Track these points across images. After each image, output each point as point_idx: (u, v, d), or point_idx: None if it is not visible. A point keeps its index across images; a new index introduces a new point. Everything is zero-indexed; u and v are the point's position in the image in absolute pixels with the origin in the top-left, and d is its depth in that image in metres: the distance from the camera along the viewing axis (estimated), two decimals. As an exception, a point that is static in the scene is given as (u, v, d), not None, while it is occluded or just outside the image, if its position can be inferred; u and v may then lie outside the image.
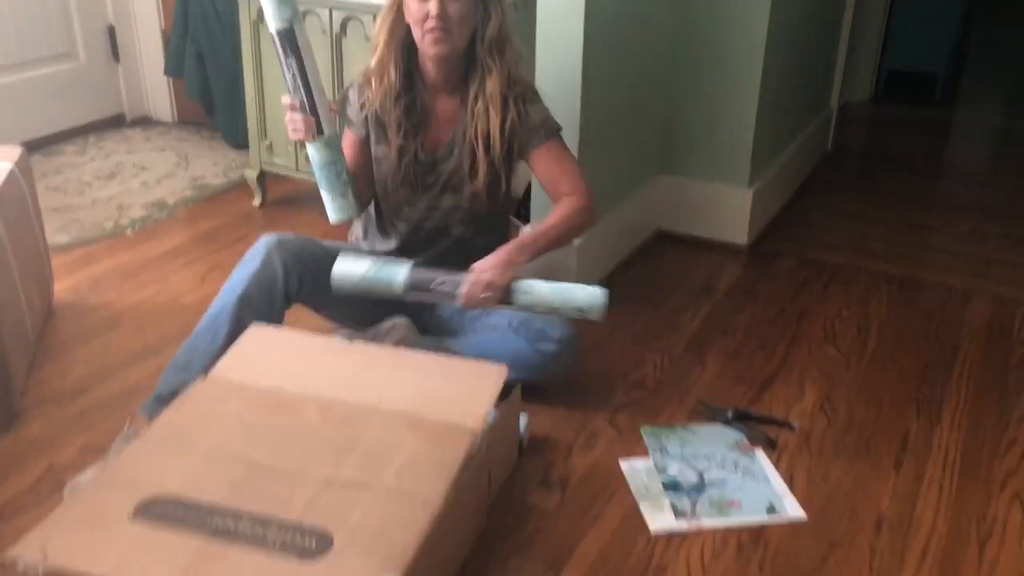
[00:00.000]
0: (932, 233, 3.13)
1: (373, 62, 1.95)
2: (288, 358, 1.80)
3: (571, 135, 2.27)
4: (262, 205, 3.15)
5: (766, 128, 2.92)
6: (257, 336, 1.85)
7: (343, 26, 2.71)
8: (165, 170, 3.44)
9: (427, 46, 1.87)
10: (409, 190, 2.01)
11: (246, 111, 3.01)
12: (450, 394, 1.70)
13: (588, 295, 1.79)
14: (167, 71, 3.62)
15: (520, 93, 1.97)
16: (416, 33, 1.88)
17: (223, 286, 1.93)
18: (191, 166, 3.49)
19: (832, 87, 3.84)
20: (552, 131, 1.99)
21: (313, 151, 1.87)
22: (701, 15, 2.77)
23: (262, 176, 3.11)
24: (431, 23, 1.83)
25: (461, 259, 1.99)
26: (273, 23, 1.76)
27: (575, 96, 2.33)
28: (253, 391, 1.69)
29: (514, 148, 1.97)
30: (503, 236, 2.13)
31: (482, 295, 1.79)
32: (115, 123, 3.90)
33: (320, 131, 1.84)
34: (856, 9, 3.78)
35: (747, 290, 2.69)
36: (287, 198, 3.22)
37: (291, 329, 1.93)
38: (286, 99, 1.82)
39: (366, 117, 2.00)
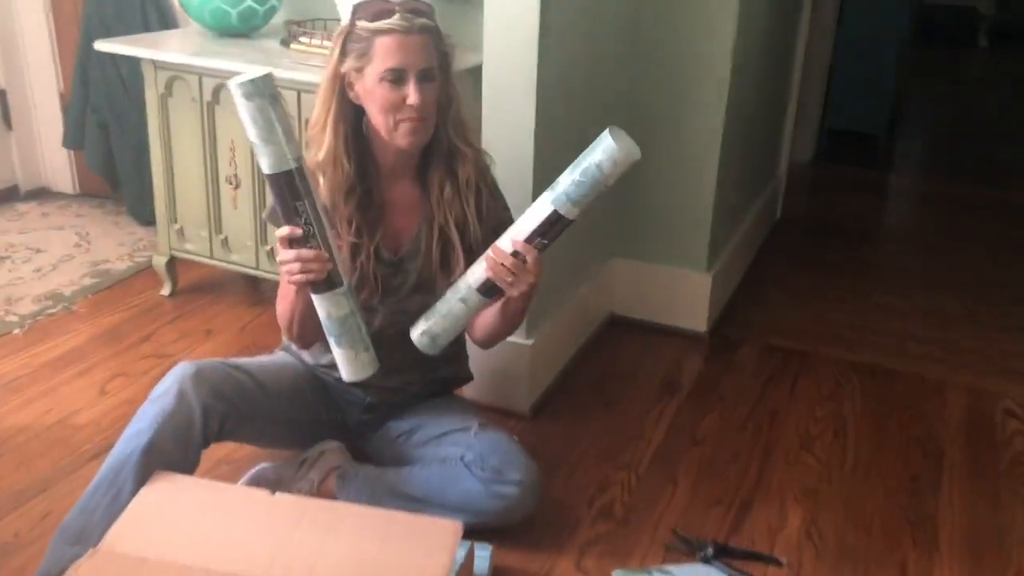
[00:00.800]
0: (895, 315, 2.98)
1: (321, 154, 1.67)
2: (199, 520, 1.49)
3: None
4: (172, 294, 2.82)
5: (724, 207, 2.74)
6: (161, 489, 1.54)
7: (215, 94, 2.45)
8: (63, 252, 3.09)
9: (400, 136, 1.62)
10: (368, 294, 1.73)
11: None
12: (394, 563, 1.42)
13: (601, 150, 1.51)
14: (66, 142, 3.28)
15: (488, 175, 1.77)
16: (380, 120, 1.62)
17: (127, 428, 1.62)
18: (93, 247, 3.15)
19: (781, 151, 3.70)
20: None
21: (328, 304, 1.56)
22: (658, 92, 2.57)
23: (172, 262, 2.79)
24: (410, 112, 1.59)
25: (426, 367, 1.76)
26: (278, 164, 1.45)
27: (526, 176, 2.09)
28: (153, 569, 1.38)
29: (493, 229, 1.71)
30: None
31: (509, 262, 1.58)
32: (7, 197, 3.52)
33: (339, 279, 1.55)
34: (803, 69, 3.66)
35: (712, 387, 2.48)
36: (201, 284, 2.90)
37: (203, 480, 1.62)
38: (284, 231, 1.50)
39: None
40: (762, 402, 2.41)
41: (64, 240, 3.19)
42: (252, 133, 1.45)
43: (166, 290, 2.82)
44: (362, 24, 1.58)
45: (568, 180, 1.53)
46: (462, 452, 1.73)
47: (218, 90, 2.48)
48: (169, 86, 2.55)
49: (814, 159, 4.62)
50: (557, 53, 2.09)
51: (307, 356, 1.88)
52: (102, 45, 2.54)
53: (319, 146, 1.67)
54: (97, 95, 3.15)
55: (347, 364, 1.61)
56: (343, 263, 1.57)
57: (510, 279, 1.58)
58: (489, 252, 1.59)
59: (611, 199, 2.66)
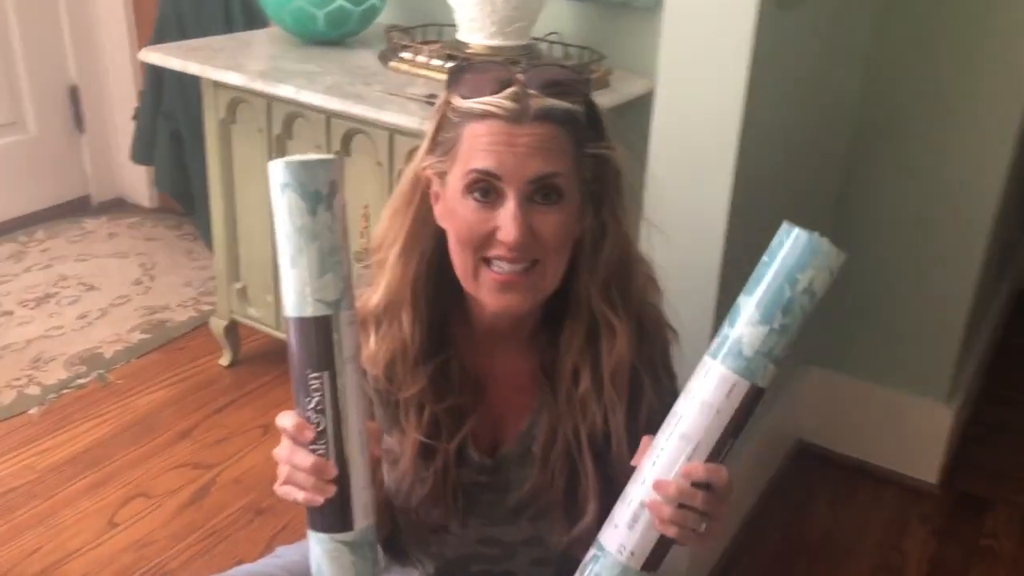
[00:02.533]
0: None
1: (377, 296, 0.99)
2: None
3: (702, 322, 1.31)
4: (232, 364, 2.25)
5: (976, 317, 1.93)
6: None
7: (346, 144, 1.79)
8: (118, 292, 2.56)
9: (483, 291, 0.93)
10: (442, 513, 1.06)
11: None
12: None
13: (812, 265, 0.79)
14: (135, 156, 2.75)
15: (660, 347, 1.04)
16: (457, 258, 0.93)
17: None
18: (156, 285, 2.61)
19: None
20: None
21: (322, 553, 0.89)
22: (893, 152, 1.79)
23: (233, 327, 2.21)
24: (500, 251, 0.90)
25: None
26: (299, 304, 0.83)
27: (711, 274, 1.38)
28: None
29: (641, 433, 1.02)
30: None
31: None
32: (76, 209, 3.04)
33: (348, 520, 0.87)
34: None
35: (954, 588, 1.70)
36: (269, 352, 2.30)
37: None
38: (288, 423, 0.85)
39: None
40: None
41: (125, 273, 2.66)
42: (281, 243, 0.82)
43: (225, 359, 2.24)
44: (455, 101, 0.90)
45: (759, 330, 0.80)
46: None
47: (291, 121, 1.85)
48: (232, 110, 1.95)
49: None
50: (774, 92, 1.36)
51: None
52: (145, 55, 1.95)
53: (379, 283, 1.00)
54: (171, 99, 2.60)
55: None
56: (370, 494, 0.89)
57: (700, 525, 0.87)
58: (648, 495, 0.87)
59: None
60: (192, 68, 1.87)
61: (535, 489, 1.04)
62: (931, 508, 1.90)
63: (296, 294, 0.81)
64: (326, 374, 0.82)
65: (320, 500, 0.85)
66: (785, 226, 0.79)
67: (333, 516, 0.86)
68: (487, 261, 0.91)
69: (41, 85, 2.88)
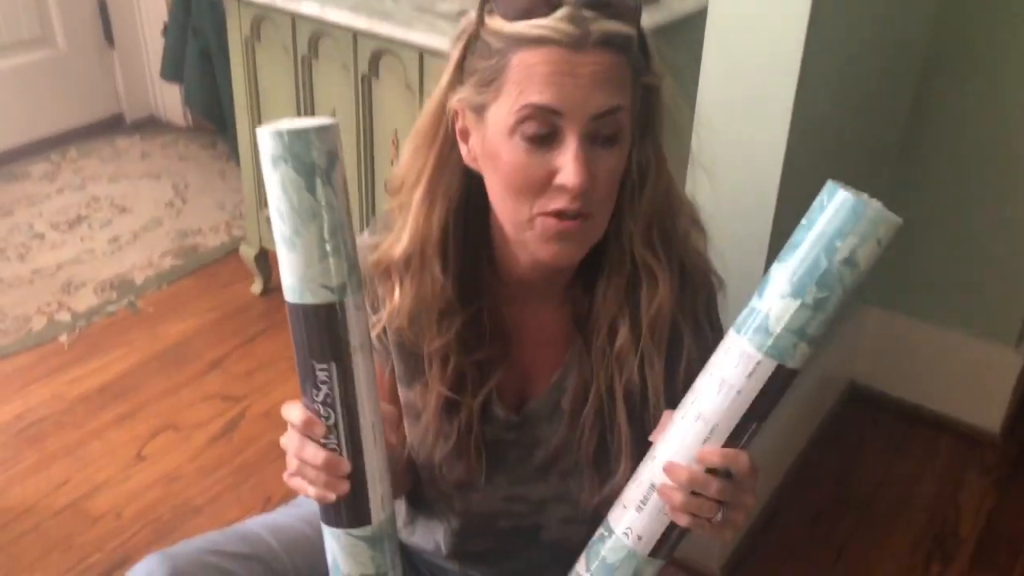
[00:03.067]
0: None
1: (401, 245, 0.89)
2: None
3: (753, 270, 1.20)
4: (264, 292, 2.19)
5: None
6: None
7: (374, 65, 1.68)
8: (151, 214, 2.51)
9: (537, 242, 0.82)
10: (465, 470, 0.98)
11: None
12: None
13: (854, 233, 0.68)
14: (164, 73, 2.65)
15: (704, 296, 0.94)
16: (506, 207, 0.82)
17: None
18: (188, 207, 2.55)
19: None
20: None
21: (339, 548, 0.82)
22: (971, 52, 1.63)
23: (263, 255, 2.14)
24: (562, 201, 0.78)
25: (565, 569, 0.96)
26: (301, 289, 0.73)
27: (766, 210, 1.27)
28: None
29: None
30: None
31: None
32: (109, 128, 2.98)
33: (364, 515, 0.80)
34: None
35: (1016, 539, 1.61)
36: (303, 279, 2.24)
37: None
38: (295, 416, 0.78)
39: (382, 334, 0.97)
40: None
41: (157, 194, 2.61)
42: (276, 223, 0.72)
43: (257, 287, 2.19)
44: (493, 24, 0.79)
45: (789, 304, 0.69)
46: None
47: (316, 40, 1.74)
48: (256, 28, 1.84)
49: None
50: (840, 14, 1.22)
51: (404, 533, 1.15)
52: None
53: (401, 228, 0.90)
54: (200, 15, 2.48)
55: None
56: (387, 484, 0.82)
57: (716, 514, 0.79)
58: (659, 478, 0.78)
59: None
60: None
61: (563, 446, 0.97)
62: (991, 459, 1.80)
63: (296, 279, 0.72)
64: (333, 365, 0.74)
65: (332, 497, 0.78)
66: (829, 185, 0.68)
67: (348, 512, 0.79)
68: (536, 216, 0.81)
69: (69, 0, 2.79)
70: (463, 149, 0.84)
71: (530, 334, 0.96)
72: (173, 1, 2.55)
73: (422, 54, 1.58)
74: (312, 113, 1.82)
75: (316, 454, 0.77)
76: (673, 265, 0.89)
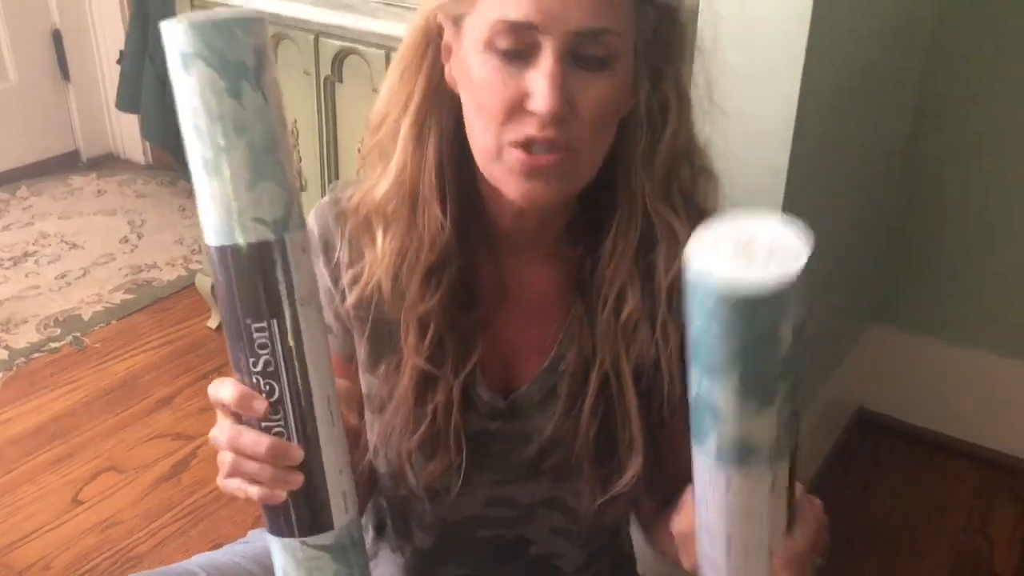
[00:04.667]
0: None
1: (384, 184, 0.75)
2: None
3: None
4: (220, 327, 2.02)
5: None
6: None
7: (337, 65, 1.55)
8: (104, 250, 2.34)
9: (505, 177, 0.69)
10: (440, 466, 0.80)
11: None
12: None
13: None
14: (120, 103, 2.52)
15: None
16: (476, 132, 0.70)
17: None
18: (143, 243, 2.39)
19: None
20: None
21: (289, 561, 0.64)
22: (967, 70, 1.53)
23: (222, 285, 1.98)
24: (529, 128, 0.65)
25: None
26: (227, 227, 0.57)
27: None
28: None
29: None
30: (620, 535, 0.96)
31: None
32: (64, 165, 2.82)
33: (324, 517, 0.63)
34: None
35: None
36: (265, 313, 2.08)
37: None
38: (227, 392, 0.60)
39: (351, 307, 0.80)
40: None
41: (111, 231, 2.45)
42: (191, 142, 0.57)
43: (213, 322, 2.02)
44: None
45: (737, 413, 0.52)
46: None
47: (275, 44, 1.61)
48: (212, 33, 1.71)
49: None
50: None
51: (373, 547, 0.97)
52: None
53: (384, 167, 0.76)
54: (158, 40, 2.35)
55: None
56: (349, 478, 0.64)
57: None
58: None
59: (873, 232, 1.66)
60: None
61: (558, 438, 0.81)
62: (1023, 488, 1.65)
63: (220, 215, 0.57)
64: (274, 323, 0.58)
65: (282, 496, 0.61)
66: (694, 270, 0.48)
67: (303, 514, 0.62)
68: (503, 145, 0.67)
69: (21, 29, 2.66)
70: (446, 69, 0.71)
71: (519, 303, 0.81)
72: (129, 26, 2.43)
73: (388, 53, 1.45)
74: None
75: (257, 441, 0.60)
76: (694, 223, 0.74)
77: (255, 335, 0.58)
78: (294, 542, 0.63)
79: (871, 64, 1.35)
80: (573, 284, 0.78)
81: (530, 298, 0.80)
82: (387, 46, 1.44)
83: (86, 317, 2.05)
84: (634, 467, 0.78)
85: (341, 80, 1.56)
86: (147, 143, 2.83)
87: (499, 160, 0.68)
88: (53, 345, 1.94)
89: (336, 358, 0.82)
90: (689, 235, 0.71)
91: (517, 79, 0.65)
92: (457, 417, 0.78)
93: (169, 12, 2.20)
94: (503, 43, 0.65)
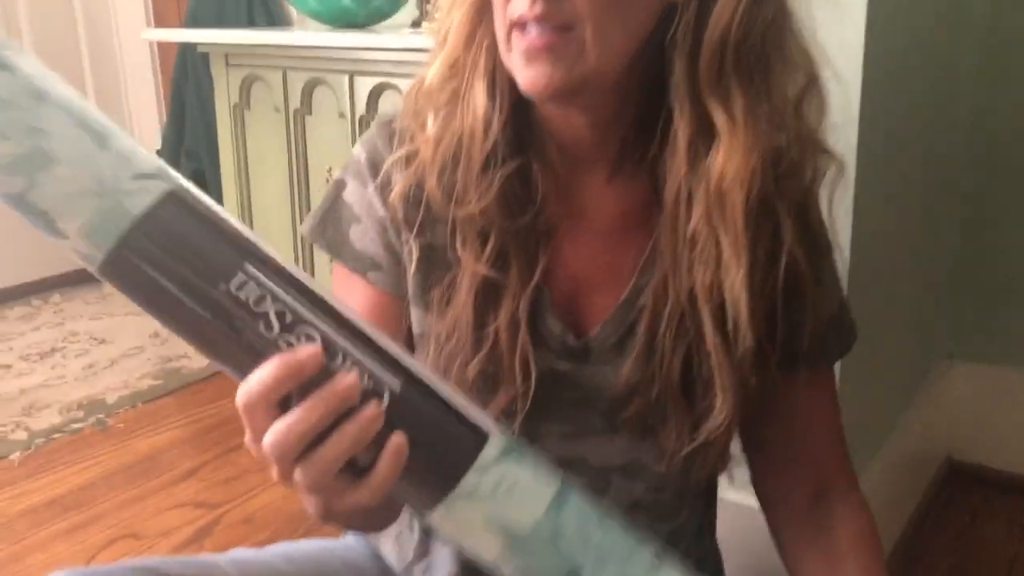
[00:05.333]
0: None
1: (435, 70, 0.68)
2: None
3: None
4: (253, 405, 1.92)
5: None
6: None
7: (306, 96, 1.54)
8: (132, 343, 2.28)
9: (518, 68, 0.61)
10: (506, 399, 0.68)
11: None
12: None
13: None
14: (155, 200, 2.52)
15: (812, 177, 0.69)
16: (497, 26, 0.63)
17: None
18: (175, 337, 2.30)
19: None
20: (847, 332, 0.77)
21: (486, 492, 0.47)
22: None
23: (252, 358, 1.89)
24: (521, 7, 0.59)
25: None
26: (120, 196, 0.44)
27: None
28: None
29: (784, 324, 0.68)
30: (703, 518, 0.81)
31: None
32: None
33: (471, 425, 0.47)
34: None
35: None
36: (297, 392, 1.97)
37: None
38: (264, 371, 0.44)
39: (397, 198, 0.69)
40: None
41: (142, 327, 2.39)
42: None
43: (244, 399, 1.91)
44: None
45: None
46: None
47: (311, 89, 1.60)
48: (245, 91, 1.70)
49: None
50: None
51: (390, 552, 0.83)
52: (149, 33, 1.75)
53: (437, 50, 0.69)
54: (194, 136, 2.39)
55: None
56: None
57: None
58: None
59: (943, 258, 1.55)
60: (200, 36, 1.65)
61: (638, 382, 0.69)
62: None
63: (95, 200, 0.44)
64: (249, 266, 0.44)
65: (403, 441, 0.45)
66: None
67: (451, 435, 0.46)
68: (509, 31, 0.61)
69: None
70: None
71: (585, 225, 0.71)
72: (166, 125, 2.46)
73: (352, 76, 1.45)
74: (305, 171, 1.64)
75: (335, 393, 0.45)
76: (755, 117, 0.65)
77: (240, 295, 0.44)
78: (468, 477, 0.45)
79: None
80: (647, 203, 0.68)
81: (602, 219, 0.70)
82: (352, 71, 1.45)
83: (110, 401, 1.96)
84: (726, 409, 0.66)
85: (311, 113, 1.56)
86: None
87: (508, 49, 0.61)
88: (75, 426, 1.84)
89: (385, 299, 0.72)
90: (744, 129, 0.62)
91: None
92: (524, 336, 0.67)
93: (207, 112, 2.25)
94: None
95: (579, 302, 0.71)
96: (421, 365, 0.48)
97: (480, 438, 0.46)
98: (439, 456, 0.45)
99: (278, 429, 0.45)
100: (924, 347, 1.55)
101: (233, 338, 0.44)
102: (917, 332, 1.50)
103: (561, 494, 0.47)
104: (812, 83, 0.66)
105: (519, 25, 0.59)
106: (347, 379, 0.44)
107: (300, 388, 0.44)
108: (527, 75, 0.60)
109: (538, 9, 0.57)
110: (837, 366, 0.79)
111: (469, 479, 0.45)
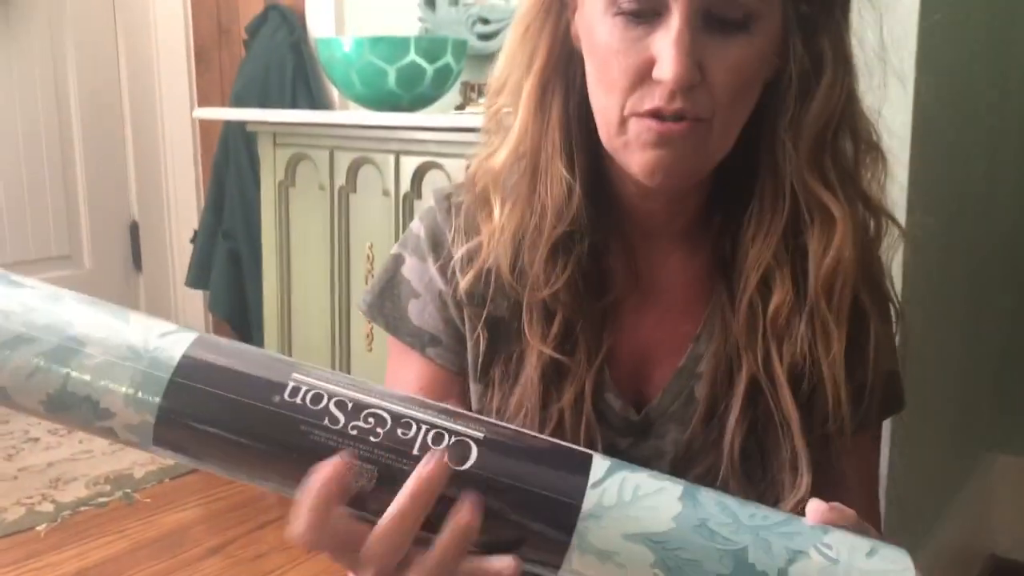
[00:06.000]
0: None
1: (503, 153, 0.68)
2: None
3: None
4: (280, 483, 1.89)
5: None
6: None
7: (351, 175, 1.58)
8: (160, 420, 2.27)
9: (634, 148, 0.61)
10: None
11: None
12: None
13: None
14: (189, 280, 2.55)
15: (875, 260, 0.71)
16: (598, 103, 0.64)
17: None
18: (202, 415, 2.31)
19: None
20: (896, 400, 0.75)
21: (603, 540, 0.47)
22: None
23: (282, 435, 1.88)
24: (657, 98, 0.59)
25: None
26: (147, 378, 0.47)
27: None
28: None
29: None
30: None
31: None
32: (127, 352, 2.81)
33: (579, 469, 0.47)
34: None
35: None
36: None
37: None
38: (327, 468, 0.46)
39: (464, 291, 0.70)
40: None
41: (169, 405, 2.38)
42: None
43: (271, 477, 1.89)
44: None
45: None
46: None
47: (356, 168, 1.63)
48: (291, 169, 1.74)
49: None
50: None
51: None
52: (201, 112, 1.80)
53: (504, 133, 0.69)
54: (232, 218, 2.42)
55: None
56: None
57: None
58: None
59: (989, 354, 1.54)
60: (251, 115, 1.70)
61: (697, 449, 0.69)
62: None
63: (126, 378, 0.46)
64: (295, 373, 0.47)
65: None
66: None
67: (557, 461, 0.46)
68: (628, 116, 0.61)
69: (101, 220, 2.76)
70: (572, 25, 0.66)
71: (652, 294, 0.71)
72: (205, 207, 2.51)
73: (398, 155, 1.50)
74: (347, 248, 1.66)
75: (421, 482, 0.45)
76: (855, 203, 0.66)
77: (296, 400, 0.45)
78: (589, 495, 0.45)
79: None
80: (712, 274, 0.69)
81: (663, 290, 0.71)
82: (398, 151, 1.51)
83: (137, 476, 1.94)
84: (802, 487, 0.65)
85: (356, 191, 1.59)
86: (210, 324, 2.83)
87: (622, 133, 0.61)
88: (102, 500, 1.82)
89: (442, 374, 0.72)
90: (850, 217, 0.63)
91: (642, 44, 0.59)
92: (590, 413, 0.67)
93: (246, 192, 2.30)
94: (627, 2, 0.59)
95: (639, 373, 0.71)
96: (490, 418, 0.49)
97: (585, 457, 0.47)
98: (553, 482, 0.45)
99: (377, 538, 0.46)
100: (969, 440, 1.53)
101: (301, 443, 0.45)
102: (963, 422, 1.48)
103: (689, 487, 0.47)
104: (872, 148, 0.68)
105: (651, 114, 0.59)
106: (429, 465, 0.45)
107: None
108: (649, 157, 0.60)
109: (678, 104, 0.58)
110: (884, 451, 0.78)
111: (590, 497, 0.45)
